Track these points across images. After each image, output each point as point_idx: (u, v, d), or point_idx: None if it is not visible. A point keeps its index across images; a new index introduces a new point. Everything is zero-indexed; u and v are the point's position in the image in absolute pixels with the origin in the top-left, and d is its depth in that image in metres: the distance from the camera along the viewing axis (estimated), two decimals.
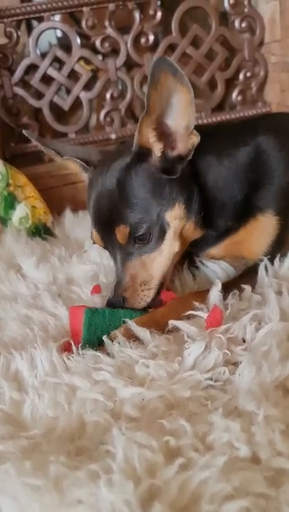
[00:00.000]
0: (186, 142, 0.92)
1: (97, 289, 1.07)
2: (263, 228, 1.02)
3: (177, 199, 0.94)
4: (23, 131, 1.11)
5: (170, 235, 0.94)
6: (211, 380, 0.74)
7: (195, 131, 0.91)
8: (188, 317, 0.87)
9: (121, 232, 0.90)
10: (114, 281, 0.94)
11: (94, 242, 1.00)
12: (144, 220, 0.90)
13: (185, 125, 0.89)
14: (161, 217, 0.92)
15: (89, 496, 0.52)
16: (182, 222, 0.96)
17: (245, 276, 1.00)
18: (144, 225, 0.90)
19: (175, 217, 0.94)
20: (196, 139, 0.91)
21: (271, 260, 1.01)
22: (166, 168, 0.92)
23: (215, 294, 0.89)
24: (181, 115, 0.88)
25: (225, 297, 0.91)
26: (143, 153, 0.91)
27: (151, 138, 0.90)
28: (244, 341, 0.82)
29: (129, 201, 0.90)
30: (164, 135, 0.91)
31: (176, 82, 0.82)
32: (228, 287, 0.94)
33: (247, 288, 0.94)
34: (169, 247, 0.94)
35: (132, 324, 0.85)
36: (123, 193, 0.90)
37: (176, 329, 0.86)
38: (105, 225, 0.93)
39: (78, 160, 1.03)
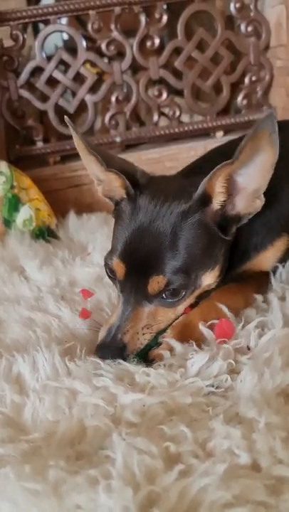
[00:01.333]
0: (248, 204, 0.86)
1: (85, 314, 0.99)
2: (276, 249, 1.00)
3: (219, 260, 0.88)
4: (65, 119, 0.95)
5: (196, 293, 0.88)
6: (213, 386, 0.74)
7: (262, 196, 0.85)
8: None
9: (156, 283, 0.81)
10: (114, 322, 0.83)
11: (106, 268, 0.88)
12: (185, 279, 0.82)
13: (256, 188, 0.84)
14: (198, 278, 0.85)
15: (88, 501, 0.52)
16: (213, 280, 0.89)
17: (259, 282, 0.99)
18: (183, 284, 0.82)
19: (211, 279, 0.88)
20: (260, 204, 0.86)
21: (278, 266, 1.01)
22: (221, 226, 0.86)
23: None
24: (257, 177, 0.83)
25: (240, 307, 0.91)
26: (203, 202, 0.83)
27: (218, 188, 0.83)
28: (249, 349, 0.82)
29: (179, 254, 0.81)
30: (231, 188, 0.84)
31: (268, 141, 0.77)
32: (246, 299, 0.94)
33: (259, 297, 0.94)
34: (187, 303, 0.88)
35: (171, 341, 0.82)
36: (175, 242, 0.81)
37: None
38: (139, 267, 0.83)
39: (124, 177, 0.88)
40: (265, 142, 0.78)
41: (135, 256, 0.83)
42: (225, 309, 0.87)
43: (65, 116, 0.96)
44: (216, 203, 0.85)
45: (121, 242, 0.85)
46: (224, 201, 0.85)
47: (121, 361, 0.80)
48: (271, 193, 0.94)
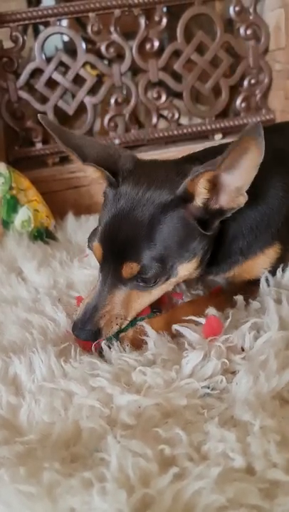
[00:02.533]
0: (232, 200, 0.86)
1: None
2: (267, 258, 1.00)
3: (197, 253, 0.89)
4: (39, 116, 0.94)
5: (172, 281, 0.90)
6: (208, 388, 0.74)
7: (245, 194, 0.85)
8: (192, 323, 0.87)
9: (129, 269, 0.84)
10: (92, 303, 0.87)
11: (89, 249, 0.93)
12: (158, 268, 0.84)
13: (240, 185, 0.84)
14: (174, 268, 0.87)
15: (82, 504, 0.52)
16: (191, 271, 0.91)
17: (251, 285, 0.99)
18: (155, 272, 0.84)
19: (188, 269, 0.89)
20: (243, 200, 0.85)
21: (273, 272, 1.01)
22: (202, 220, 0.87)
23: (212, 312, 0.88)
24: (241, 175, 0.82)
25: (225, 308, 0.92)
26: (185, 199, 0.85)
27: (201, 188, 0.84)
28: (243, 350, 0.82)
29: (154, 244, 0.83)
30: (214, 185, 0.85)
31: (254, 145, 0.77)
32: (229, 299, 0.94)
33: (247, 298, 0.94)
34: (163, 289, 0.90)
35: (147, 328, 0.85)
36: (151, 232, 0.83)
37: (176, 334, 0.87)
38: (115, 251, 0.85)
39: (103, 169, 0.89)
40: (249, 146, 0.78)
41: (113, 241, 0.86)
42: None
43: (39, 115, 0.95)
44: (199, 200, 0.85)
45: (102, 226, 0.88)
46: (207, 198, 0.85)
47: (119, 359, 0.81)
48: (262, 198, 0.95)
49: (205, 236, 0.88)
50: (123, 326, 0.88)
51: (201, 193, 0.84)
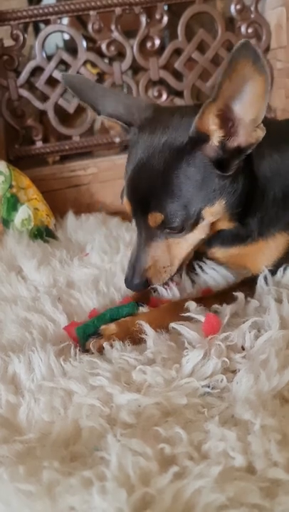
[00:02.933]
0: (249, 135, 0.83)
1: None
2: (275, 246, 1.00)
3: (221, 196, 0.88)
4: (61, 75, 1.00)
5: (201, 226, 0.91)
6: (208, 387, 0.73)
7: (262, 125, 0.82)
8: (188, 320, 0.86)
9: (154, 218, 0.87)
10: (134, 257, 0.92)
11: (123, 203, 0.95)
12: (182, 214, 0.86)
13: (253, 117, 0.80)
14: (199, 213, 0.88)
15: (81, 503, 0.52)
16: (218, 216, 0.91)
17: (243, 285, 0.99)
18: (180, 219, 0.86)
19: (212, 214, 0.90)
20: (261, 133, 0.82)
21: (274, 272, 1.01)
22: (221, 160, 0.85)
23: (194, 309, 0.89)
24: (251, 106, 0.79)
25: (212, 304, 0.92)
26: (200, 140, 0.83)
27: (211, 125, 0.82)
28: (243, 349, 0.82)
29: (173, 191, 0.84)
30: (227, 121, 0.82)
31: (254, 70, 0.73)
32: (223, 297, 0.94)
33: (240, 296, 0.94)
34: (197, 235, 0.92)
35: (146, 326, 0.85)
36: (168, 179, 0.84)
37: (175, 333, 0.86)
38: (140, 203, 0.88)
39: (116, 120, 0.94)
40: (250, 71, 0.73)
41: (136, 193, 0.89)
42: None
43: (61, 74, 1.04)
44: (214, 139, 0.84)
45: (126, 180, 0.91)
46: (222, 136, 0.84)
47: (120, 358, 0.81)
48: None
49: (225, 177, 0.87)
50: (173, 272, 0.93)
51: (214, 131, 0.83)
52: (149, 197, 0.86)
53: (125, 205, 0.92)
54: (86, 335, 0.88)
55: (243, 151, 0.84)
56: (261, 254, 1.01)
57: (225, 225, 0.96)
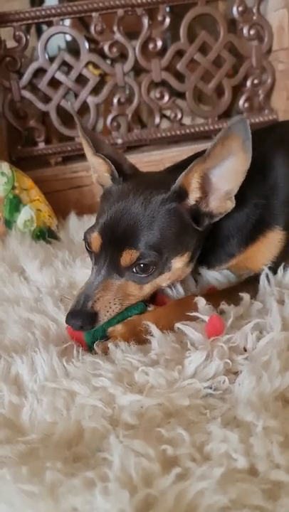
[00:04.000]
0: (220, 204, 0.93)
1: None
2: (270, 243, 1.01)
3: (189, 248, 0.95)
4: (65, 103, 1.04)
5: (166, 276, 0.94)
6: (211, 388, 0.74)
7: (233, 199, 0.92)
8: (193, 319, 0.87)
9: (128, 256, 0.88)
10: (83, 291, 0.89)
11: (85, 242, 0.95)
12: (156, 257, 0.89)
13: (228, 190, 0.91)
14: (168, 260, 0.92)
15: (84, 504, 0.52)
16: (183, 267, 0.96)
17: (247, 285, 1.00)
18: (153, 261, 0.89)
19: (180, 264, 0.94)
20: (231, 205, 0.93)
21: (275, 270, 1.01)
22: (195, 218, 0.93)
23: (202, 306, 0.89)
24: (229, 179, 0.90)
25: (219, 303, 0.92)
26: (180, 195, 0.91)
27: (194, 184, 0.91)
28: (245, 350, 0.82)
29: (153, 234, 0.88)
30: (205, 188, 0.92)
31: (240, 148, 0.84)
32: (224, 294, 0.94)
33: (246, 296, 0.94)
34: (158, 284, 0.94)
35: (152, 327, 0.85)
36: (151, 223, 0.89)
37: (180, 332, 0.86)
38: (116, 240, 0.89)
39: (112, 165, 0.99)
40: (236, 147, 0.84)
41: (113, 231, 0.90)
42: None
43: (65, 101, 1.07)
44: (192, 198, 0.92)
45: (102, 218, 0.92)
46: (199, 198, 0.92)
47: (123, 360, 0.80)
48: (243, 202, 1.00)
49: (197, 232, 0.95)
50: (124, 306, 0.90)
51: (193, 190, 0.91)
52: (127, 235, 0.89)
53: (93, 240, 0.92)
54: (95, 339, 0.87)
55: (214, 217, 0.95)
56: (259, 254, 1.02)
57: (184, 271, 0.99)
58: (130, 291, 0.91)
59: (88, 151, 1.04)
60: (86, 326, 0.85)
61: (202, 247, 1.00)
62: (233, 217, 0.99)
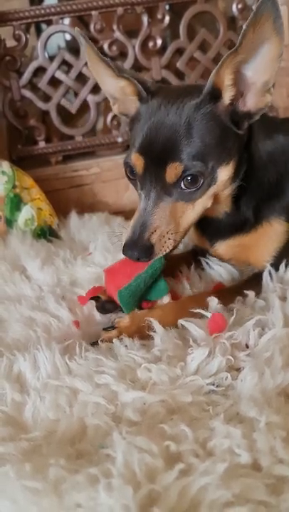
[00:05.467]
0: (259, 99, 0.86)
1: (95, 291, 1.02)
2: (273, 234, 1.00)
3: (234, 157, 0.90)
4: (76, 29, 0.99)
5: (212, 190, 0.90)
6: (213, 385, 0.74)
7: (272, 89, 0.85)
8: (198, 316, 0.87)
9: (173, 170, 0.84)
10: (138, 219, 0.86)
11: (126, 168, 0.91)
12: (202, 167, 0.84)
13: (265, 80, 0.83)
14: (214, 170, 0.87)
15: (88, 500, 0.52)
16: (228, 182, 0.92)
17: (251, 282, 0.99)
18: (200, 172, 0.85)
19: (226, 175, 0.90)
20: (270, 98, 0.86)
21: (277, 266, 1.01)
22: (233, 120, 0.87)
23: (213, 303, 0.89)
24: (266, 68, 0.82)
25: (229, 302, 0.91)
26: (213, 96, 0.85)
27: (227, 81, 0.84)
28: (247, 347, 0.82)
29: (194, 142, 0.83)
30: (240, 85, 0.85)
31: (273, 29, 0.77)
32: (232, 293, 0.94)
33: (251, 294, 0.94)
34: (204, 202, 0.90)
35: (155, 323, 0.85)
36: (190, 131, 0.84)
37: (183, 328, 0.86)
38: (157, 157, 0.85)
39: (136, 82, 0.92)
40: (268, 29, 0.77)
41: (152, 147, 0.85)
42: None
43: (76, 28, 1.00)
44: (226, 97, 0.86)
45: (138, 138, 0.88)
46: (234, 96, 0.86)
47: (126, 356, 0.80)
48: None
49: (238, 136, 0.89)
50: (177, 240, 0.88)
51: (228, 88, 0.85)
52: (168, 148, 0.84)
53: (135, 160, 0.88)
54: (134, 300, 0.88)
55: (253, 116, 0.88)
56: (262, 244, 1.01)
57: (225, 202, 0.97)
58: (181, 212, 0.87)
59: (107, 75, 0.96)
60: (143, 257, 0.85)
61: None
62: (268, 165, 0.98)
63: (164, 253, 0.87)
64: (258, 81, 0.84)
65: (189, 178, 0.85)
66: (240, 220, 1.01)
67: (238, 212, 1.00)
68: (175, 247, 0.89)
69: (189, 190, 0.86)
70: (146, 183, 0.87)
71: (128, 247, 0.85)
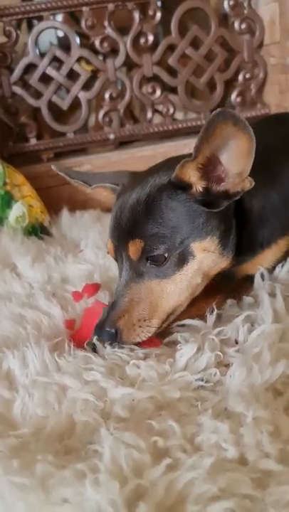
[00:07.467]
0: (235, 185, 0.82)
1: (91, 290, 1.05)
2: (278, 250, 0.99)
3: (210, 232, 0.84)
4: (52, 166, 1.06)
5: (193, 266, 0.84)
6: (202, 381, 0.74)
7: (249, 178, 0.81)
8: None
9: (134, 246, 0.82)
10: (111, 301, 0.86)
11: (108, 253, 0.92)
12: (163, 240, 0.81)
13: (238, 172, 0.80)
14: (185, 245, 0.82)
15: (75, 495, 0.52)
16: (213, 256, 0.86)
17: (244, 282, 0.99)
18: (162, 246, 0.81)
19: (204, 250, 0.84)
20: (248, 184, 0.81)
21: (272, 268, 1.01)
22: (207, 202, 0.83)
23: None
24: (236, 161, 0.79)
25: (222, 304, 0.93)
26: (181, 186, 0.83)
27: (192, 177, 0.82)
28: (237, 342, 0.82)
29: (153, 218, 0.82)
30: (213, 170, 0.82)
31: (237, 130, 0.73)
32: (227, 298, 0.95)
33: (241, 295, 0.95)
34: (189, 277, 0.84)
35: None
36: (149, 208, 0.82)
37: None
38: (121, 236, 0.85)
39: (107, 184, 0.99)
40: (231, 132, 0.74)
41: (117, 229, 0.87)
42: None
43: (52, 165, 1.08)
44: (198, 186, 0.83)
45: (110, 224, 0.90)
46: (206, 183, 0.83)
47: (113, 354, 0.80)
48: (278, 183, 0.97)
49: (215, 214, 0.84)
50: (154, 327, 0.82)
51: (196, 182, 0.82)
52: (128, 227, 0.84)
53: (108, 247, 0.89)
54: None
55: (231, 197, 0.83)
56: (266, 259, 1.00)
57: (225, 266, 0.90)
58: (159, 293, 0.83)
59: (87, 191, 1.04)
60: (108, 342, 0.81)
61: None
62: (269, 197, 0.95)
63: (132, 342, 0.82)
64: (231, 170, 0.81)
65: (154, 254, 0.82)
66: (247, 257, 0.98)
67: (246, 255, 0.97)
68: (155, 333, 0.84)
69: (159, 267, 0.82)
70: (119, 264, 0.87)
71: (97, 327, 0.83)
